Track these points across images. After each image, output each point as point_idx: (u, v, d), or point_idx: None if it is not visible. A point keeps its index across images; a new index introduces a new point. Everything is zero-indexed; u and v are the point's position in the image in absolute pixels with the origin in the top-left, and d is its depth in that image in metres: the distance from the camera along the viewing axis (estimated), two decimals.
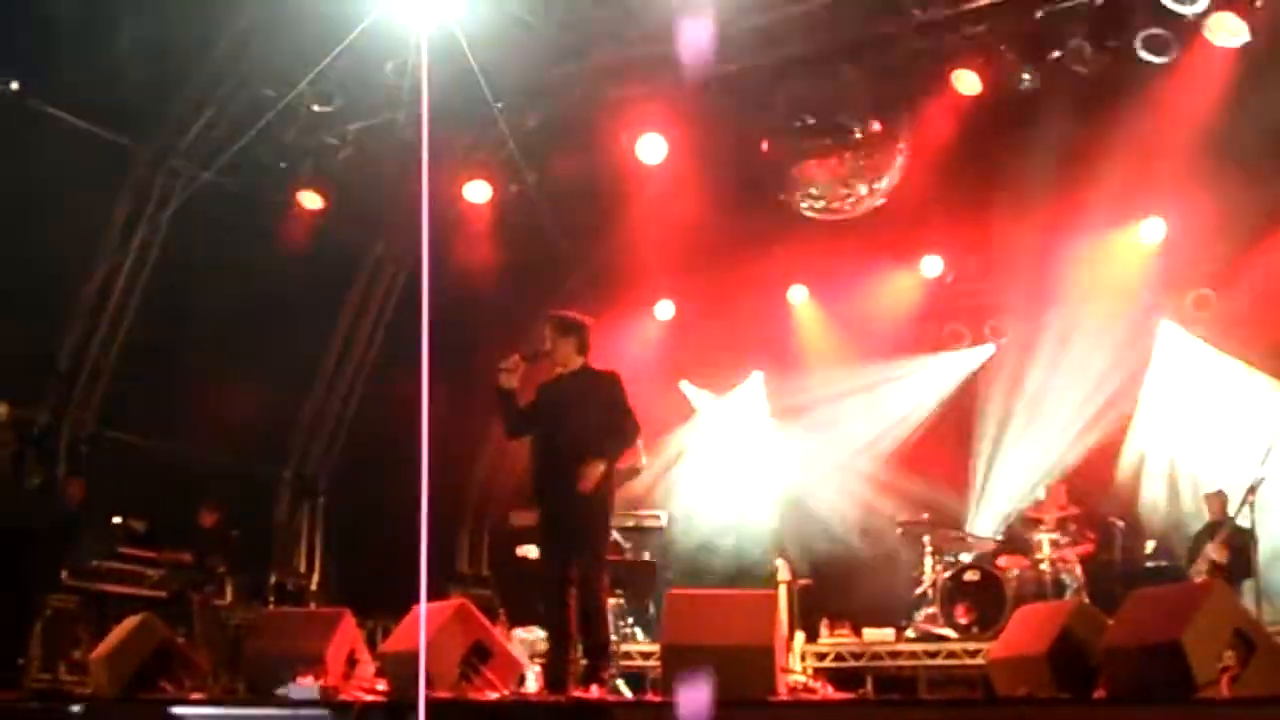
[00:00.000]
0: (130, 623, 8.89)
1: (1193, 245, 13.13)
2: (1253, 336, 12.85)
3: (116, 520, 12.03)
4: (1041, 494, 12.66)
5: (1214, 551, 10.74)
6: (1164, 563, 11.70)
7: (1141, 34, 10.57)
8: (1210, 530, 11.27)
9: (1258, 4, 9.98)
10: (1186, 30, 10.48)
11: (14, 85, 11.49)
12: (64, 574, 11.17)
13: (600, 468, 7.77)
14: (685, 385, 16.05)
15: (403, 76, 11.85)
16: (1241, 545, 10.60)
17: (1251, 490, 10.14)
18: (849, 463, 14.99)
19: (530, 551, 9.67)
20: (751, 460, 15.83)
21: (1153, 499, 13.09)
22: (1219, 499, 11.52)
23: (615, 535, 11.21)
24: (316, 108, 12.42)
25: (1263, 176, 11.86)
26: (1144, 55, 10.66)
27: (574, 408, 7.97)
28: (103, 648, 8.88)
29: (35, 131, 11.56)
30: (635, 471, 9.84)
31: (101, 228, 12.69)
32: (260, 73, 12.39)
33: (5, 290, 11.33)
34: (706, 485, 15.77)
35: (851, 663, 11.93)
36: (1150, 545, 11.82)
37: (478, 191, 13.36)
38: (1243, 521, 10.59)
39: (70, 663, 10.80)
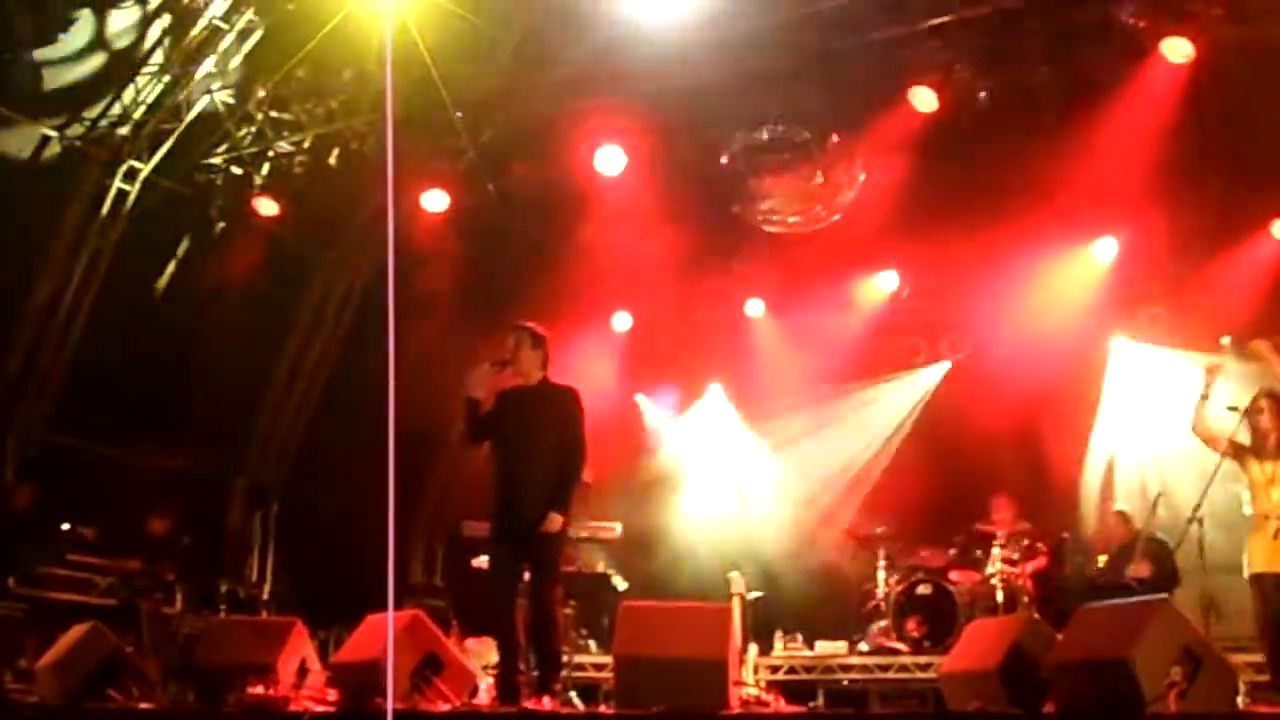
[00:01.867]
0: (77, 631, 8.79)
1: (1145, 264, 13.26)
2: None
3: (65, 527, 11.89)
4: (992, 509, 12.71)
5: (1136, 570, 10.81)
6: (1115, 578, 11.75)
7: (1096, 54, 10.71)
8: (1124, 550, 11.33)
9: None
10: (1140, 51, 10.62)
11: None
12: (10, 581, 11.02)
13: (560, 519, 7.81)
14: (641, 399, 16.04)
15: (361, 85, 11.83)
16: (1161, 558, 10.70)
17: (1154, 504, 10.80)
18: (804, 476, 15.04)
19: (485, 563, 9.62)
20: (706, 472, 15.85)
21: (1105, 513, 13.12)
22: (1121, 518, 11.63)
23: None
24: (274, 114, 12.37)
25: (1214, 196, 11.99)
26: (1098, 75, 10.81)
27: (535, 421, 7.98)
28: (49, 656, 8.78)
29: None
30: (585, 486, 9.85)
31: (53, 232, 12.56)
32: (218, 79, 12.34)
33: None
34: (661, 496, 15.77)
35: (804, 675, 11.95)
36: (1102, 560, 11.88)
37: (435, 201, 13.36)
38: (1159, 534, 10.87)
39: (16, 671, 10.64)
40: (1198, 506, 9.40)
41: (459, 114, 11.94)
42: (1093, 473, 13.59)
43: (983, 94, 11.26)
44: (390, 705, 5.59)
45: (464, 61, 11.68)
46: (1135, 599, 8.22)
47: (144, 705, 8.21)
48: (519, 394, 8.11)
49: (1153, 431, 13.09)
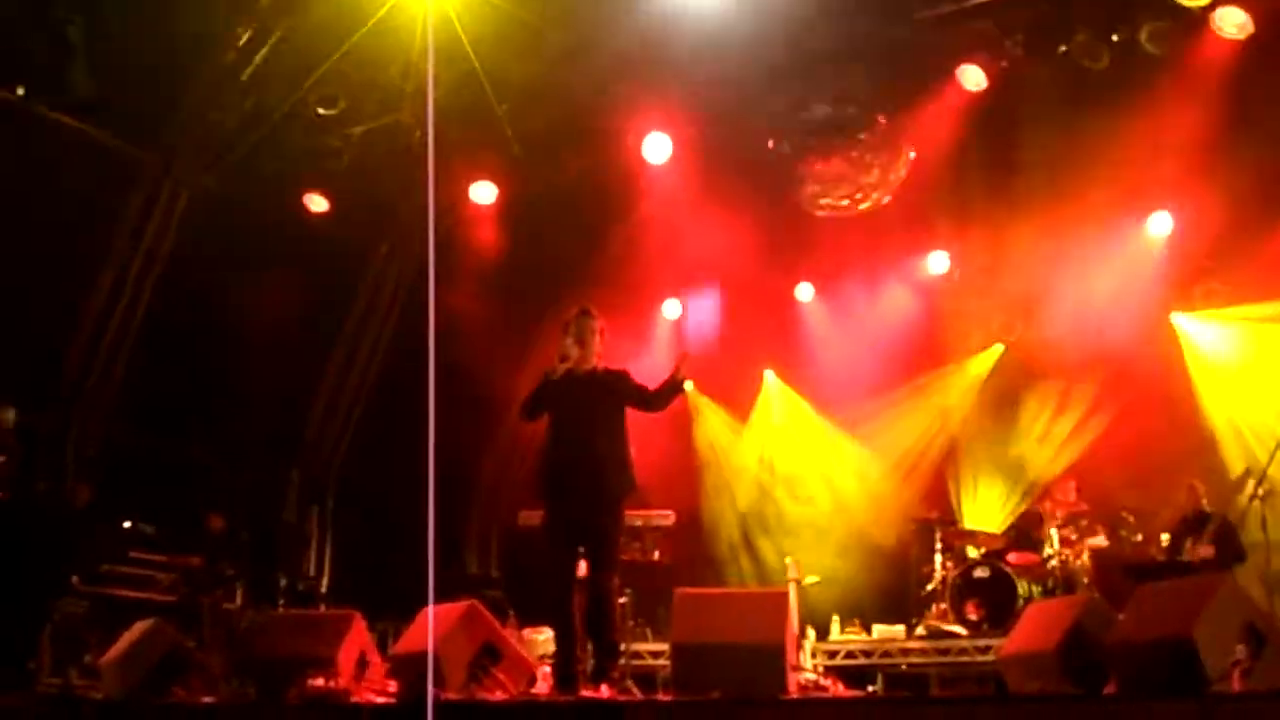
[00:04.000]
0: (140, 627, 8.89)
1: (1200, 239, 13.07)
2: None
3: (126, 524, 12.03)
4: (1052, 489, 12.62)
5: (1201, 549, 10.68)
6: (1175, 557, 11.61)
7: (1147, 28, 10.58)
8: (1187, 524, 11.18)
9: None
10: (1192, 24, 10.48)
11: (20, 91, 11.51)
12: (74, 579, 11.17)
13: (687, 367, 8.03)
14: (690, 387, 15.97)
15: (406, 79, 11.87)
16: (1226, 539, 10.58)
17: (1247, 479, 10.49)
18: (859, 460, 14.97)
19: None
20: (760, 458, 15.81)
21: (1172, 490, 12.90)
22: (1191, 491, 11.45)
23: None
24: (321, 111, 12.42)
25: (1270, 168, 11.81)
26: (1149, 49, 10.68)
27: (591, 404, 8.01)
28: (113, 652, 8.88)
29: (42, 138, 11.58)
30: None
31: (109, 232, 12.70)
32: (265, 77, 12.41)
33: (13, 296, 11.35)
34: (716, 483, 15.76)
35: (862, 660, 11.91)
36: (1165, 538, 11.75)
37: (484, 192, 13.41)
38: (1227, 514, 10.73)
39: (81, 667, 10.79)
40: (1260, 481, 9.28)
41: (504, 105, 11.95)
42: (1151, 451, 13.37)
43: (1032, 71, 11.16)
44: (430, 695, 5.62)
45: (509, 52, 11.69)
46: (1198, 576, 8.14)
47: (206, 699, 8.29)
48: (575, 378, 8.12)
49: (1238, 401, 12.91)
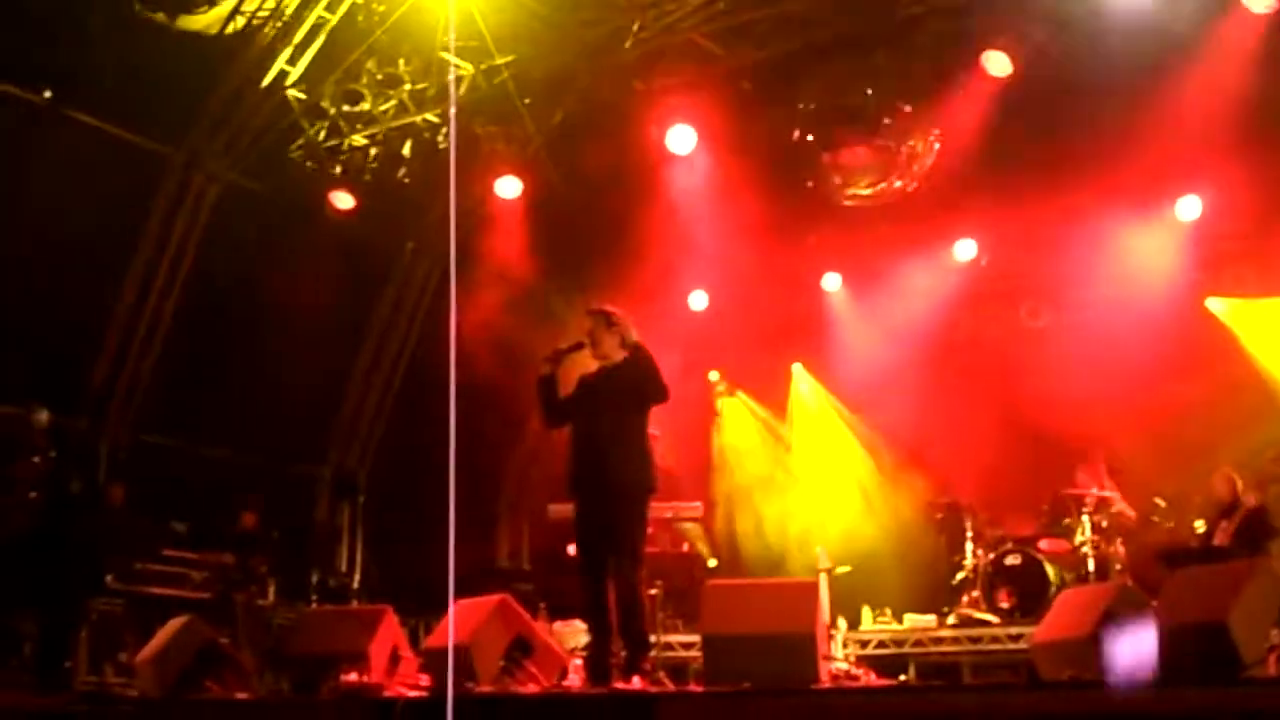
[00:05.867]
0: (174, 624, 8.94)
1: (1231, 223, 12.97)
2: None
3: (158, 523, 12.10)
4: (1081, 478, 12.54)
5: (1220, 533, 10.64)
6: (1207, 543, 11.54)
7: (1174, 7, 10.53)
8: (1221, 511, 11.12)
9: None
10: (1221, 2, 10.41)
11: (48, 94, 11.59)
12: (108, 578, 11.25)
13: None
14: (714, 376, 15.96)
15: (429, 76, 11.90)
16: (1250, 526, 10.51)
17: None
18: (888, 448, 14.93)
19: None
20: (790, 448, 15.79)
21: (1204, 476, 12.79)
22: (1228, 480, 11.35)
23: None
24: (346, 108, 12.46)
25: None
26: (1178, 28, 10.62)
27: (614, 400, 7.96)
28: (148, 650, 8.93)
29: (69, 139, 11.65)
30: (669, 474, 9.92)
31: (136, 232, 12.77)
32: (290, 75, 12.46)
33: (43, 297, 11.44)
34: (746, 474, 15.74)
35: (894, 649, 11.88)
36: (1199, 525, 11.66)
37: (508, 187, 13.43)
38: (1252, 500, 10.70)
39: (117, 665, 10.87)
40: None
41: (526, 100, 11.96)
42: (1185, 437, 13.27)
43: (1056, 54, 11.11)
44: (451, 688, 5.64)
45: (531, 48, 11.70)
46: (1231, 562, 8.09)
47: (241, 695, 8.33)
48: (600, 375, 8.10)
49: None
